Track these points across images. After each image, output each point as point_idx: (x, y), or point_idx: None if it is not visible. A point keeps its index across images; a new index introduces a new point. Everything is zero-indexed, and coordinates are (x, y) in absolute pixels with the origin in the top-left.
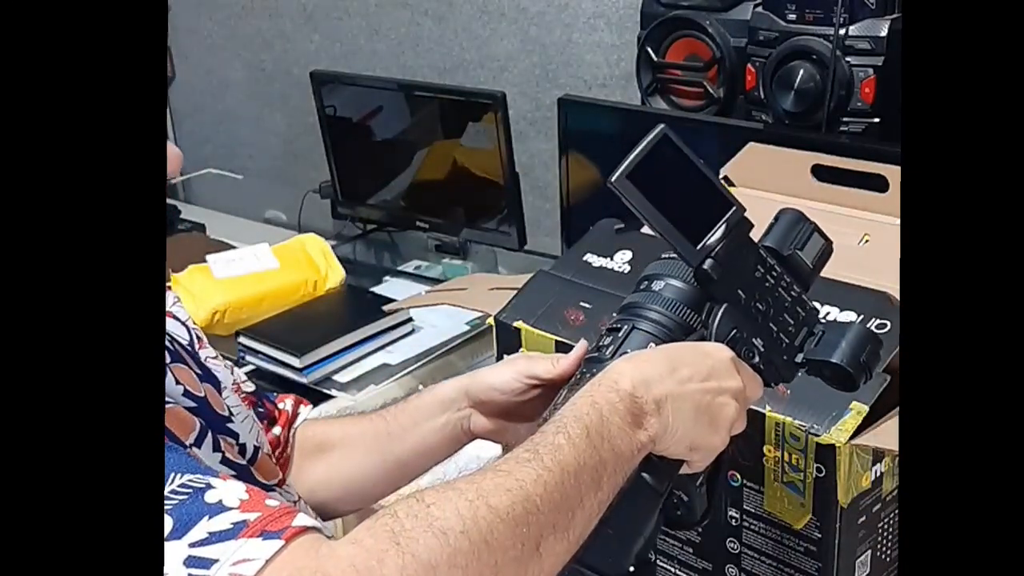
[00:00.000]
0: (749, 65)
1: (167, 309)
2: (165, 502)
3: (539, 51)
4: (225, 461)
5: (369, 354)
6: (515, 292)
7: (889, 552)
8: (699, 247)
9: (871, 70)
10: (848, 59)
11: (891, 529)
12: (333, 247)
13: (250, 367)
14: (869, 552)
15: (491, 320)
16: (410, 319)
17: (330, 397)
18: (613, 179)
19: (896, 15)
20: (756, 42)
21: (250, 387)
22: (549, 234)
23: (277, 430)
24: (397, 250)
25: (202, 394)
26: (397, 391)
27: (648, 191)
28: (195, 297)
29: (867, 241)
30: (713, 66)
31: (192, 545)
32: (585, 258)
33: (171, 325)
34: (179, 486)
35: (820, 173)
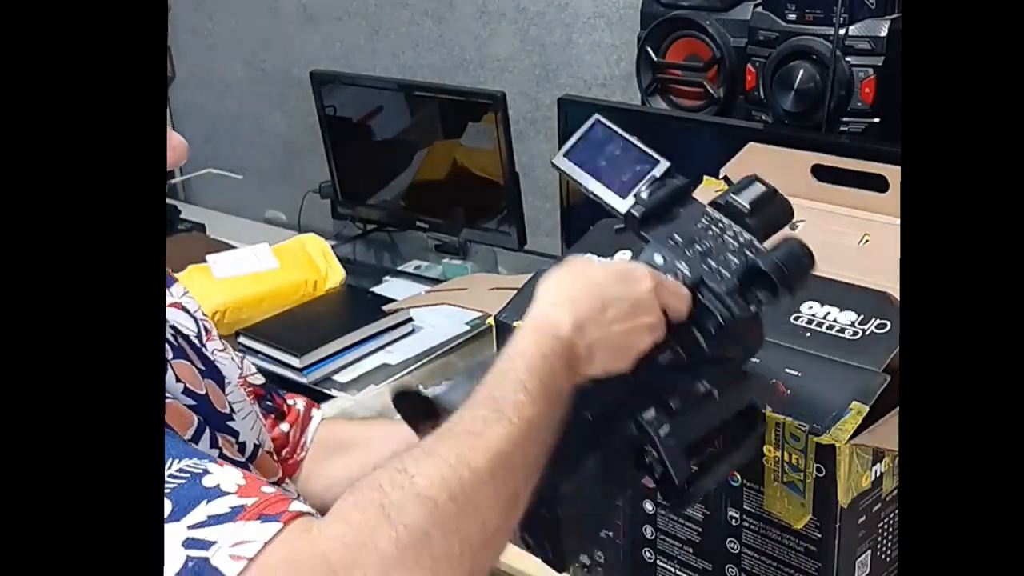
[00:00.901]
0: (749, 65)
1: (176, 300)
2: (167, 482)
3: (539, 51)
4: (223, 457)
5: (369, 354)
6: (515, 292)
7: (889, 552)
8: (626, 199)
9: (871, 70)
10: (848, 59)
11: (891, 529)
12: (333, 247)
13: None
14: (869, 552)
15: (491, 320)
16: (410, 319)
17: (330, 397)
18: (554, 160)
19: (896, 15)
20: (756, 42)
21: (259, 379)
22: (549, 234)
23: (285, 427)
24: (397, 250)
25: (203, 391)
26: None
27: (583, 165)
28: (195, 297)
29: (867, 241)
30: (713, 66)
31: (191, 527)
32: (585, 258)
33: (179, 316)
34: (177, 471)
35: (820, 173)
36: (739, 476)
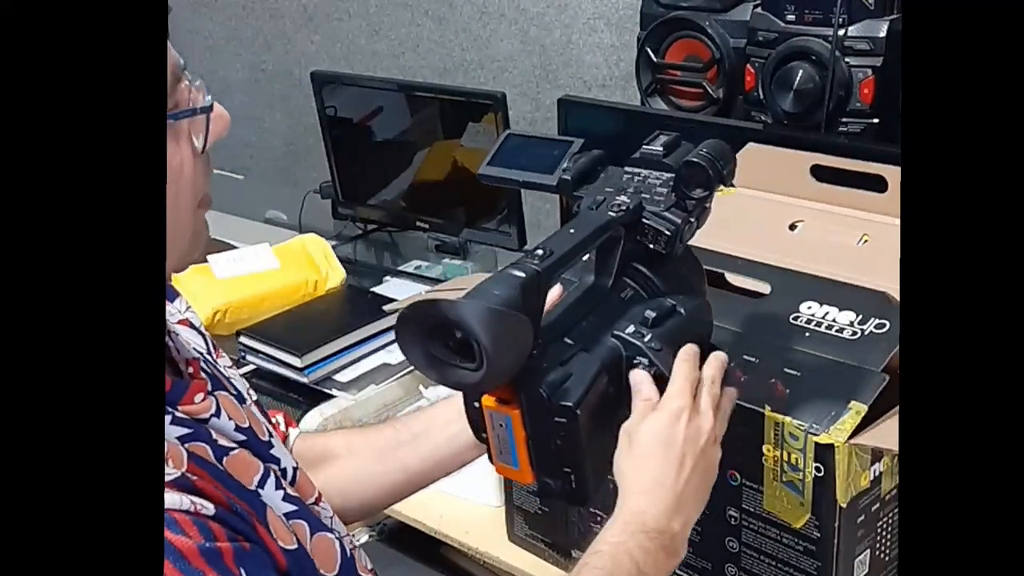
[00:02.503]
0: (748, 66)
1: (182, 316)
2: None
3: (539, 52)
4: (287, 498)
5: (369, 354)
6: None
7: (888, 551)
8: (552, 175)
9: (870, 71)
10: (847, 60)
11: (890, 528)
12: (333, 247)
13: (251, 367)
14: (868, 551)
15: None
16: None
17: (330, 397)
18: (479, 172)
19: (895, 16)
20: (755, 43)
21: (254, 395)
22: (548, 234)
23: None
24: (397, 250)
25: (247, 424)
26: (397, 391)
27: (507, 165)
28: (196, 297)
29: (866, 241)
30: (712, 67)
31: None
32: (585, 258)
33: (189, 335)
34: None
35: (819, 173)
36: (738, 475)
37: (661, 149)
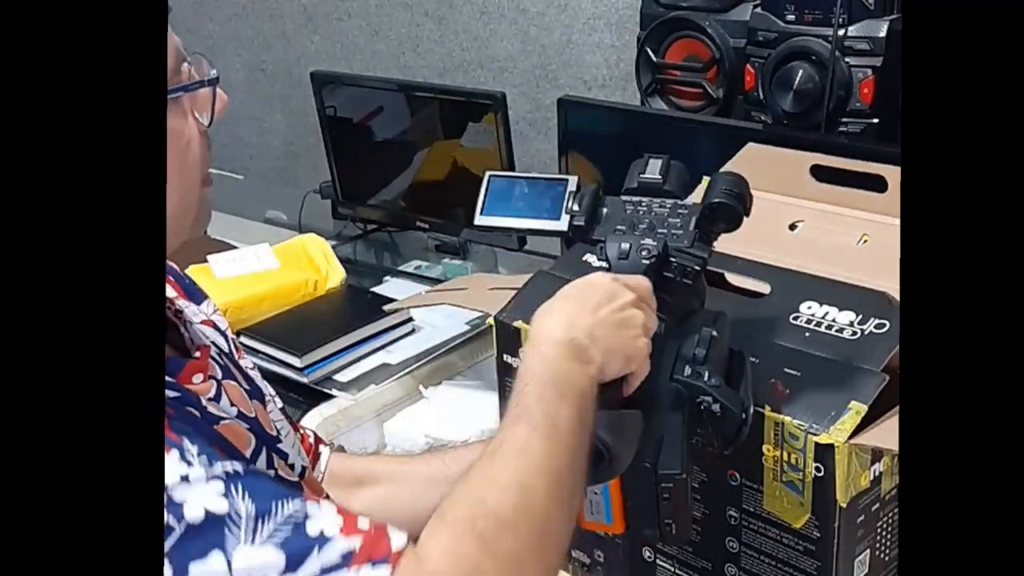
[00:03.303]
0: (748, 66)
1: (208, 317)
2: (272, 537)
3: (539, 52)
4: (278, 478)
5: (369, 354)
6: (515, 292)
7: (888, 551)
8: (560, 220)
9: (870, 71)
10: (847, 60)
11: (890, 528)
12: (333, 247)
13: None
14: (868, 551)
15: (491, 320)
16: (410, 319)
17: (330, 397)
18: (475, 223)
19: (895, 16)
20: (755, 43)
21: (279, 402)
22: None
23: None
24: (397, 250)
25: (253, 414)
26: (397, 391)
27: (504, 213)
28: None
29: (866, 241)
30: (712, 67)
31: None
32: (585, 258)
33: (212, 334)
34: (282, 520)
35: (819, 173)
36: (738, 475)
37: (660, 177)
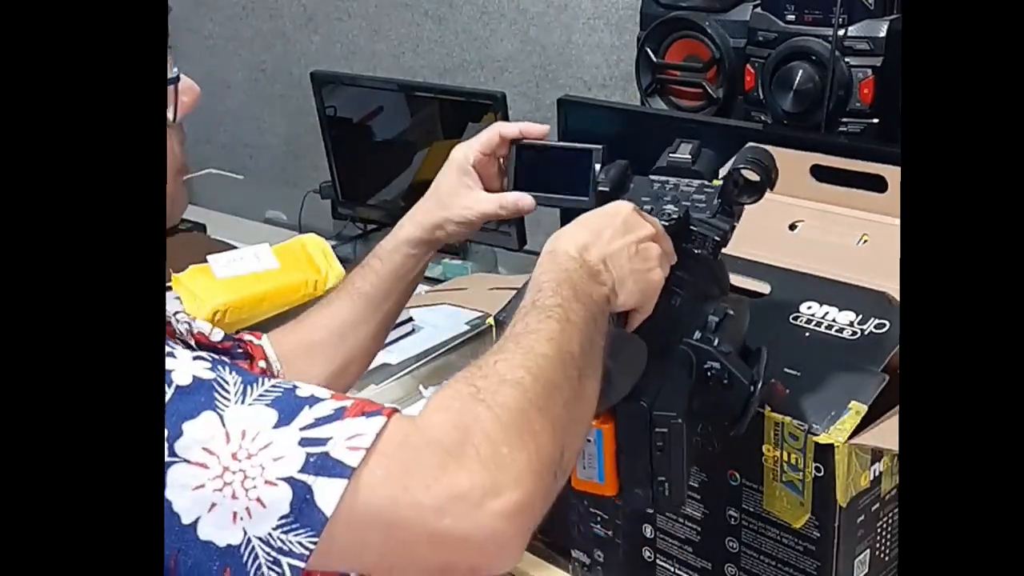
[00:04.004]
0: (748, 66)
1: (167, 318)
2: (261, 398)
3: (539, 52)
4: None
5: None
6: (515, 292)
7: (888, 551)
8: (589, 196)
9: (870, 71)
10: (847, 60)
11: (890, 528)
12: (333, 247)
13: None
14: (868, 551)
15: (491, 320)
16: (410, 319)
17: None
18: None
19: (895, 16)
20: (755, 43)
21: (218, 335)
22: (549, 234)
23: (262, 363)
24: None
25: None
26: (397, 391)
27: (534, 188)
28: (196, 297)
29: (866, 241)
30: (712, 67)
31: (302, 429)
32: None
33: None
34: (270, 387)
35: (819, 173)
36: (738, 475)
37: (689, 157)
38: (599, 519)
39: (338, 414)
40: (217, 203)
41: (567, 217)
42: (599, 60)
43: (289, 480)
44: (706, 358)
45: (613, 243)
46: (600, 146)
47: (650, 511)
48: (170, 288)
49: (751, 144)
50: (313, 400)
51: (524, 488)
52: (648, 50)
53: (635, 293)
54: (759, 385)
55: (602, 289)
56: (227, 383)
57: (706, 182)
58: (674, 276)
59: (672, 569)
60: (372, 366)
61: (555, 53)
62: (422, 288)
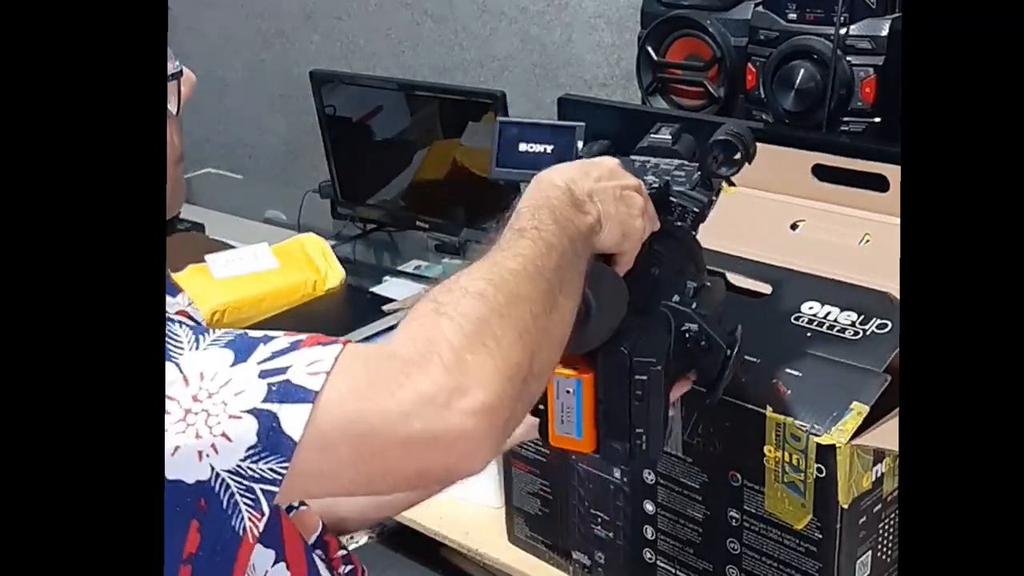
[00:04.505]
0: (750, 64)
1: (183, 308)
2: (215, 342)
3: (539, 51)
4: None
5: None
6: None
7: (890, 553)
8: None
9: (872, 70)
10: (849, 59)
11: (892, 529)
12: (333, 247)
13: None
14: (870, 553)
15: None
16: None
17: None
18: (489, 176)
19: (897, 15)
20: (757, 41)
21: None
22: None
23: None
24: (397, 250)
25: None
26: None
27: (518, 165)
28: (194, 297)
29: (868, 241)
30: (713, 65)
31: (260, 363)
32: None
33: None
34: (221, 333)
35: (821, 173)
36: (739, 476)
37: (669, 138)
38: (600, 520)
39: (294, 346)
40: (216, 203)
41: None
42: (600, 59)
43: (253, 411)
44: (684, 319)
45: (600, 182)
46: (582, 123)
47: (625, 467)
48: (182, 290)
49: (731, 119)
50: (267, 338)
51: (491, 389)
52: (649, 49)
53: (617, 235)
54: (736, 349)
55: (586, 218)
56: (178, 335)
57: (686, 162)
58: (652, 251)
59: (673, 570)
60: None
61: (555, 52)
62: (422, 288)
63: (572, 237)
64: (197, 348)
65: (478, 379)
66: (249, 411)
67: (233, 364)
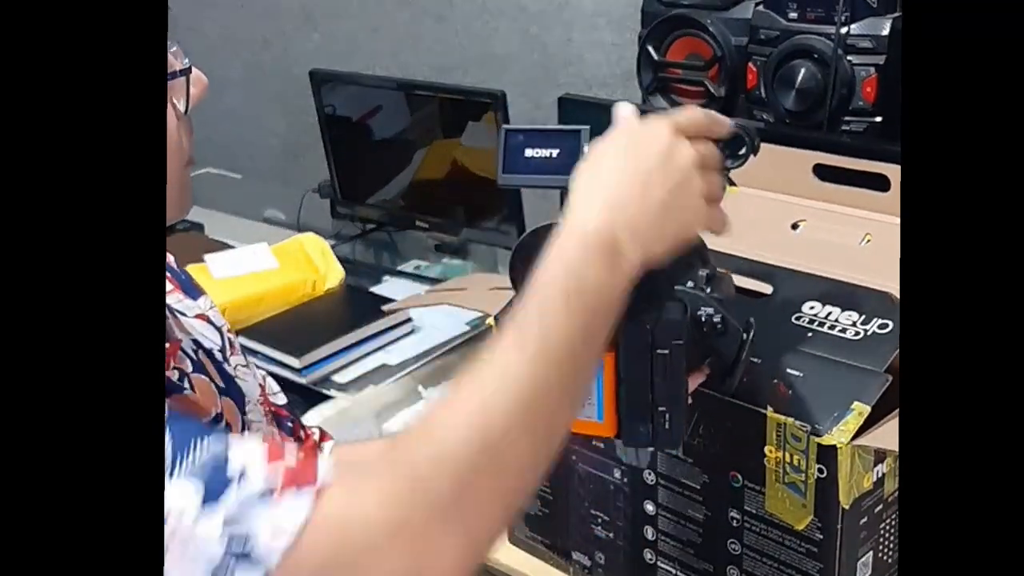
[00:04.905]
0: (750, 64)
1: (203, 312)
2: (190, 472)
3: (539, 50)
4: None
5: (368, 354)
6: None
7: (891, 553)
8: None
9: (872, 69)
10: (849, 58)
11: (893, 530)
12: (332, 247)
13: None
14: (871, 553)
15: (491, 320)
16: (410, 319)
17: (329, 397)
18: (498, 183)
19: (898, 14)
20: (757, 41)
21: (281, 399)
22: None
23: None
24: (397, 250)
25: (219, 410)
26: (396, 392)
27: (526, 170)
28: None
29: (868, 241)
30: (714, 65)
31: (226, 523)
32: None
33: (204, 329)
34: (200, 450)
35: (822, 172)
36: (740, 477)
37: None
38: (600, 521)
39: (264, 498)
40: (215, 202)
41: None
42: (600, 58)
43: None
44: (700, 304)
45: (649, 193)
46: (587, 126)
47: (650, 449)
48: (204, 293)
49: (736, 117)
50: (242, 476)
51: (457, 570)
52: (649, 48)
53: (669, 246)
54: (752, 333)
55: (617, 273)
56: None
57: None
58: None
59: (673, 571)
60: (371, 367)
61: (556, 51)
62: (422, 288)
63: (590, 322)
64: (171, 477)
65: (443, 567)
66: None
67: (202, 506)
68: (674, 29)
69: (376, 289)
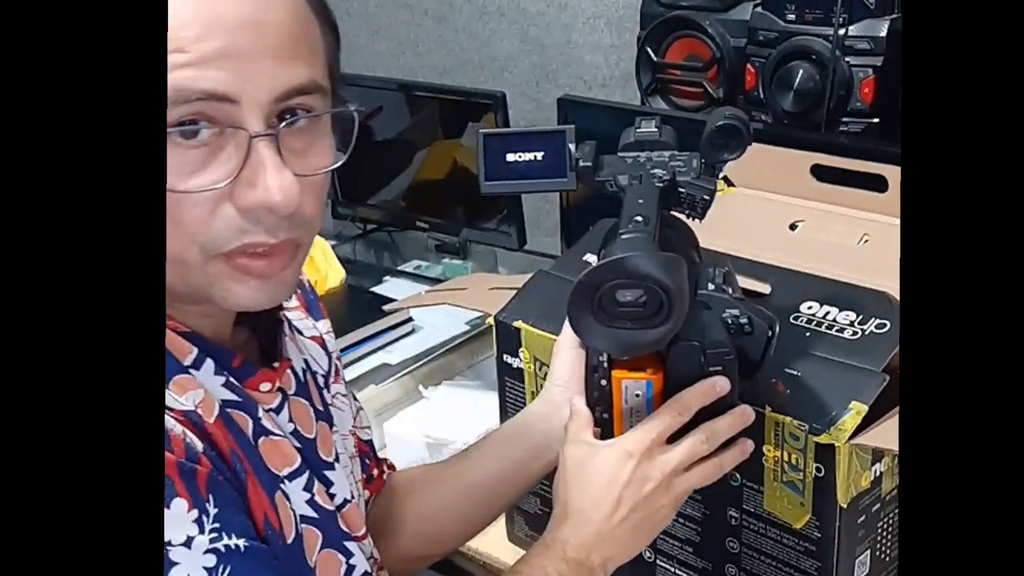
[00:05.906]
0: (748, 65)
1: (319, 334)
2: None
3: (539, 51)
4: (312, 502)
5: (369, 354)
6: (515, 292)
7: (889, 552)
8: (566, 176)
9: (870, 70)
10: (847, 59)
11: (891, 529)
12: (333, 247)
13: None
14: (869, 552)
15: (491, 320)
16: (410, 319)
17: None
18: (482, 191)
19: (896, 15)
20: (756, 42)
21: (367, 435)
22: (549, 234)
23: (366, 493)
24: (397, 250)
25: (312, 435)
26: (397, 391)
27: (510, 176)
28: None
29: (866, 241)
30: (713, 66)
31: None
32: (585, 258)
33: (316, 352)
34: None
35: (820, 173)
36: (738, 476)
37: (656, 130)
38: None
39: None
40: None
41: (565, 217)
42: (599, 60)
43: None
44: (724, 306)
45: (627, 520)
46: (572, 126)
47: None
48: (326, 318)
49: (725, 108)
50: None
51: None
52: (648, 49)
53: (642, 546)
54: (777, 327)
55: None
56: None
57: (676, 152)
58: (667, 242)
59: (672, 569)
60: (372, 366)
61: (555, 53)
62: (422, 288)
63: None
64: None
65: None
66: None
67: None
68: (673, 30)
69: (377, 289)
